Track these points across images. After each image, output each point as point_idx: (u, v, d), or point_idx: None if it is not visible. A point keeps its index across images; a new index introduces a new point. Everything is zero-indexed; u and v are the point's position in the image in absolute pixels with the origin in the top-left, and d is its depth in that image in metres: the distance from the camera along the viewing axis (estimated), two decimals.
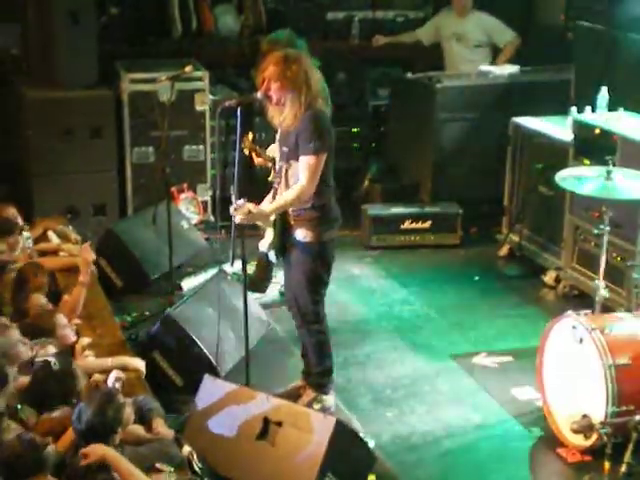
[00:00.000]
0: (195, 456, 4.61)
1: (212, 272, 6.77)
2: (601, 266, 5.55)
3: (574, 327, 5.21)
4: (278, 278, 6.97)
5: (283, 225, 5.35)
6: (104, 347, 5.45)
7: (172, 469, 4.30)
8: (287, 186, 5.32)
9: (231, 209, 5.11)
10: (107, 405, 4.13)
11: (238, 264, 5.33)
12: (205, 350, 5.67)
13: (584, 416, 5.13)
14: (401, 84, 8.79)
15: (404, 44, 9.29)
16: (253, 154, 5.52)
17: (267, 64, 5.27)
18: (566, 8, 8.91)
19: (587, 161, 6.68)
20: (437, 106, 8.23)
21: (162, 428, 4.63)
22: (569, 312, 5.31)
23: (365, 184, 8.75)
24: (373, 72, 9.46)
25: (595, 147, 6.60)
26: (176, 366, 5.74)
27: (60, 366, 4.48)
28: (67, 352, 4.94)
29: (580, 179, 5.51)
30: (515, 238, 7.74)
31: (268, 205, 5.33)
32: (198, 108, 8.24)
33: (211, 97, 8.28)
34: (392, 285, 7.43)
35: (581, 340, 5.16)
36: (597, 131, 6.67)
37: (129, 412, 4.27)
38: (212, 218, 8.27)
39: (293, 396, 5.56)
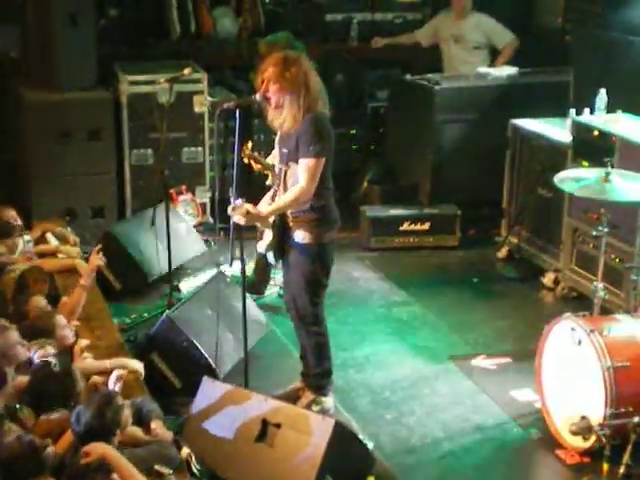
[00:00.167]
0: (194, 458, 4.62)
1: (211, 274, 6.78)
2: (600, 268, 5.56)
3: (573, 329, 5.21)
4: (277, 280, 7.00)
5: (282, 226, 5.36)
6: (102, 349, 5.46)
7: (171, 471, 4.30)
8: (285, 188, 5.32)
9: (229, 209, 5.11)
10: (106, 407, 4.13)
11: (237, 266, 5.33)
12: (204, 352, 5.67)
13: (583, 418, 5.13)
14: (400, 86, 8.79)
15: (403, 46, 9.30)
16: (252, 162, 5.53)
17: (266, 65, 5.27)
18: (564, 10, 8.93)
19: (586, 163, 6.68)
20: (436, 108, 8.22)
21: (161, 430, 4.63)
22: (568, 314, 5.32)
23: (364, 186, 8.75)
24: (372, 74, 9.48)
25: (594, 149, 6.61)
26: (175, 368, 5.74)
27: (60, 367, 4.48)
28: (66, 353, 4.94)
29: (578, 181, 5.51)
30: (514, 240, 7.74)
31: (266, 206, 5.33)
32: (197, 110, 8.24)
33: (210, 99, 8.28)
34: (391, 287, 7.43)
35: (580, 342, 5.16)
36: (596, 133, 6.68)
37: (127, 414, 4.27)
38: (211, 220, 8.27)
39: (292, 398, 5.56)
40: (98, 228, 7.65)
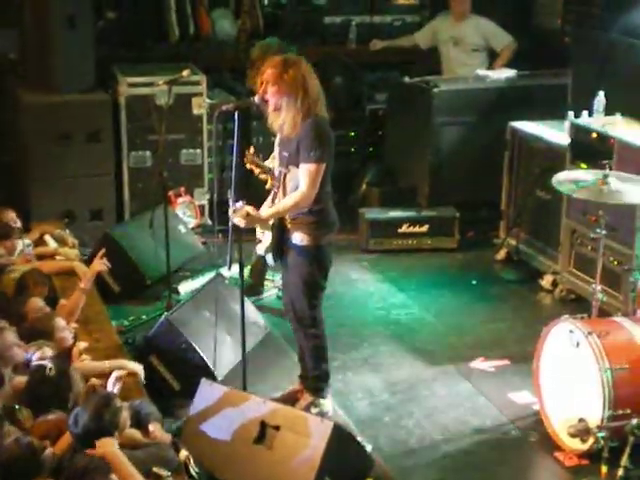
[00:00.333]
0: (192, 460, 4.62)
1: (209, 276, 6.77)
2: (598, 270, 5.56)
3: (571, 331, 5.21)
4: (276, 282, 7.00)
5: (280, 228, 5.36)
6: (101, 351, 5.45)
7: (169, 473, 4.30)
8: (285, 191, 5.32)
9: (230, 211, 5.11)
10: (104, 409, 4.13)
11: (235, 268, 5.33)
12: (202, 354, 5.67)
13: (581, 420, 5.13)
14: (398, 88, 8.80)
15: (401, 48, 9.31)
16: (254, 167, 5.55)
17: (266, 67, 5.28)
18: (563, 13, 8.93)
19: (584, 165, 6.68)
20: (434, 110, 8.23)
21: (159, 432, 4.63)
22: (566, 316, 5.32)
23: (362, 188, 8.75)
24: (371, 76, 9.49)
25: (592, 151, 6.61)
26: (173, 370, 5.73)
27: (56, 370, 4.47)
28: (64, 355, 4.94)
29: (577, 183, 5.51)
30: (512, 242, 7.75)
31: (266, 210, 5.34)
32: (195, 112, 8.24)
33: (208, 101, 8.29)
34: (389, 289, 7.43)
35: (578, 344, 5.16)
36: (594, 135, 6.68)
37: (126, 416, 4.27)
38: (209, 222, 8.26)
39: (290, 400, 5.56)
40: (97, 230, 7.63)
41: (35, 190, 7.86)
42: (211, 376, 5.47)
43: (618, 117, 6.75)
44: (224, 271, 6.38)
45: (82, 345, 5.23)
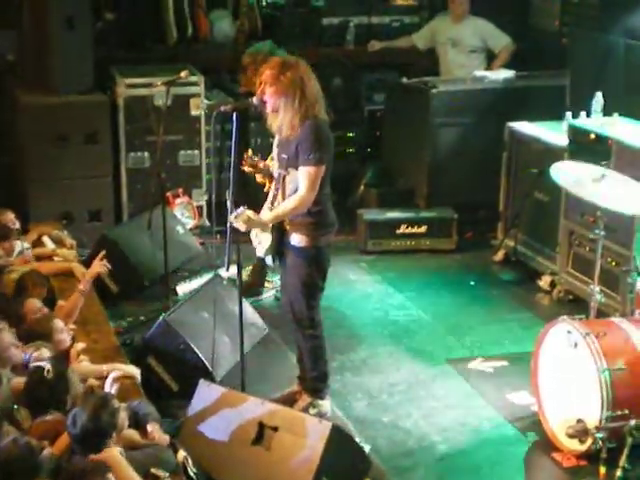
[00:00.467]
0: (190, 461, 4.62)
1: (207, 277, 6.77)
2: (596, 271, 5.56)
3: (569, 332, 5.21)
4: (274, 283, 7.00)
5: (279, 229, 5.36)
6: (99, 352, 5.45)
7: (167, 474, 4.30)
8: (284, 193, 5.32)
9: (232, 217, 5.11)
10: (102, 410, 4.13)
11: (233, 269, 5.34)
12: (200, 355, 5.67)
13: (579, 421, 5.13)
14: (397, 89, 8.80)
15: (400, 49, 9.31)
16: (252, 171, 5.55)
17: (264, 68, 5.29)
18: (561, 13, 8.93)
19: None
20: (432, 111, 8.23)
21: (157, 433, 4.63)
22: (564, 317, 5.31)
23: (361, 189, 8.75)
24: (369, 77, 9.48)
25: (590, 152, 6.60)
26: (171, 371, 5.73)
27: (54, 372, 4.47)
28: (62, 357, 4.94)
29: (575, 182, 5.51)
30: (510, 243, 7.75)
31: (267, 213, 5.34)
32: (193, 113, 8.24)
33: (206, 102, 8.29)
34: (388, 290, 7.43)
35: (576, 345, 5.16)
36: (592, 136, 6.68)
37: (124, 417, 4.27)
38: (207, 223, 8.27)
39: (289, 401, 5.56)
40: (95, 231, 7.63)
41: (33, 191, 7.86)
42: (209, 377, 5.47)
43: (616, 118, 6.75)
44: (222, 272, 6.38)
45: (80, 346, 5.22)
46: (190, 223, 8.07)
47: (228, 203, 5.17)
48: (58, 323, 5.19)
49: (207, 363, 5.64)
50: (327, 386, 5.66)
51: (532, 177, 7.40)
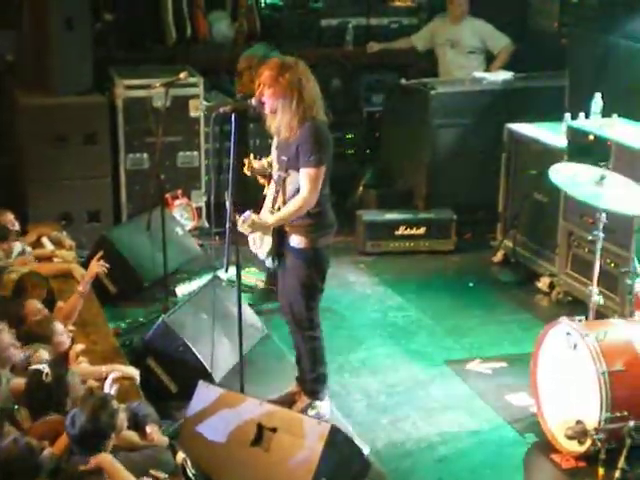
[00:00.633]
0: (189, 462, 4.62)
1: (206, 278, 6.77)
2: (595, 272, 5.56)
3: (568, 333, 5.21)
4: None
5: (279, 231, 5.36)
6: (98, 353, 5.45)
7: (166, 475, 4.30)
8: (285, 194, 5.32)
9: (239, 222, 5.10)
10: (101, 411, 4.13)
11: (232, 270, 5.33)
12: (199, 356, 5.67)
13: (578, 422, 5.13)
14: (395, 90, 8.80)
15: (398, 50, 9.31)
16: (256, 175, 5.57)
17: (263, 69, 5.29)
18: (560, 14, 8.94)
19: None
20: (431, 112, 8.23)
21: (156, 434, 4.63)
22: (563, 318, 5.31)
23: (360, 190, 8.75)
24: (367, 78, 9.47)
25: (589, 153, 6.60)
26: (170, 372, 5.73)
27: (53, 376, 4.46)
28: (61, 360, 4.93)
29: (574, 183, 5.51)
30: (509, 244, 7.75)
31: (270, 216, 5.34)
32: (192, 114, 8.24)
33: (205, 103, 8.29)
34: (386, 291, 7.43)
35: (575, 346, 5.16)
36: (591, 137, 6.68)
37: (123, 418, 4.27)
38: (206, 224, 8.26)
39: (288, 402, 5.56)
40: (94, 232, 7.63)
41: (32, 192, 7.86)
42: (208, 378, 5.47)
43: (615, 119, 6.75)
44: (221, 273, 6.38)
45: (79, 347, 5.22)
46: (189, 224, 8.07)
47: (227, 204, 5.18)
48: (58, 325, 5.19)
49: (206, 364, 5.64)
50: (326, 387, 5.66)
51: (531, 178, 7.41)
